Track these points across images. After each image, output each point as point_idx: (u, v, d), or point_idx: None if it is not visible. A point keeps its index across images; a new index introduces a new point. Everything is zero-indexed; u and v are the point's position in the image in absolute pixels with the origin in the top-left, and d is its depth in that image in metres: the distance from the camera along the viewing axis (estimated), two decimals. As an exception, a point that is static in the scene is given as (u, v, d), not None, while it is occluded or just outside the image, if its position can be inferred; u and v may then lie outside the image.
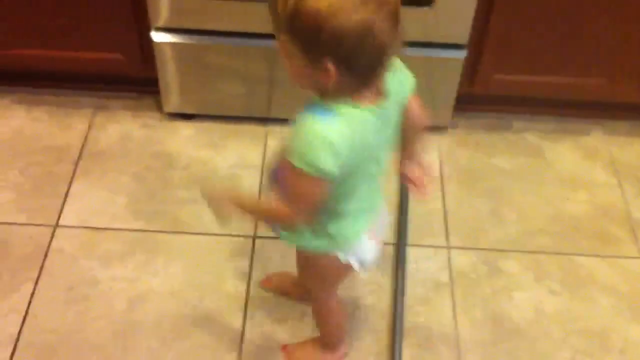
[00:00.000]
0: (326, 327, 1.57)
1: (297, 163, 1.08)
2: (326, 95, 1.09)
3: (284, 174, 1.16)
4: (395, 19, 1.03)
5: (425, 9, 1.80)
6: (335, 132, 1.06)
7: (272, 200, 1.21)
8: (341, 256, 1.29)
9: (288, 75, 1.11)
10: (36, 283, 1.70)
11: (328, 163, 1.06)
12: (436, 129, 2.09)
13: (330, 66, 1.03)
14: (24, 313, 1.64)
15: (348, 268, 1.33)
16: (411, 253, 1.80)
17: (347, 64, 1.03)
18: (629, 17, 1.84)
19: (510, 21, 1.86)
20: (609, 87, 2.00)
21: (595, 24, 1.86)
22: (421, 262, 1.79)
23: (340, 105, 1.08)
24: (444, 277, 1.76)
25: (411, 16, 1.82)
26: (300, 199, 1.13)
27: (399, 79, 1.15)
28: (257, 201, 1.23)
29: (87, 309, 1.66)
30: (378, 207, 1.31)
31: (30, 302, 1.66)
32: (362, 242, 1.28)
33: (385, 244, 1.81)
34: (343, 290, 1.69)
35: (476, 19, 1.83)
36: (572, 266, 1.80)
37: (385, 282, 1.75)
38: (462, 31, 1.85)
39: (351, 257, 1.30)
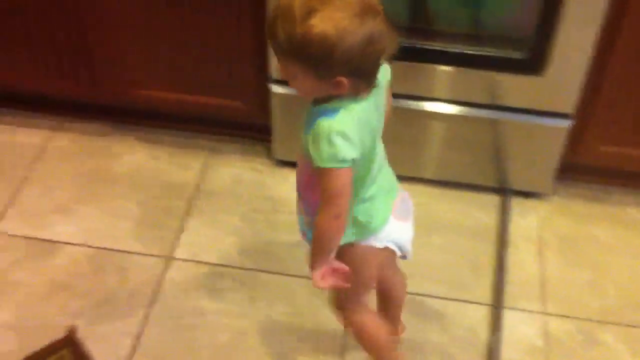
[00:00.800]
0: (372, 348, 1.60)
1: (326, 164, 1.20)
2: (332, 99, 1.22)
3: (313, 184, 1.28)
4: (386, 22, 1.15)
5: (535, 77, 1.86)
6: (343, 123, 1.19)
7: (315, 230, 1.31)
8: (377, 243, 1.37)
9: (297, 92, 1.23)
10: (149, 309, 1.82)
11: (348, 151, 1.19)
12: (536, 195, 2.13)
13: (343, 79, 1.15)
14: (135, 337, 1.76)
15: (385, 255, 1.41)
16: (506, 316, 1.83)
17: (356, 73, 1.16)
18: None
19: (620, 92, 1.89)
20: None
21: None
22: (516, 326, 1.81)
23: (344, 103, 1.21)
24: (539, 343, 1.78)
25: (520, 84, 1.90)
26: (341, 194, 1.25)
27: (382, 68, 1.25)
28: (314, 246, 1.35)
29: (194, 339, 1.76)
30: (394, 186, 1.41)
31: (142, 328, 1.78)
32: (391, 224, 1.37)
33: (480, 304, 1.85)
34: (432, 346, 1.75)
35: (585, 89, 1.88)
36: (671, 344, 1.80)
37: (479, 341, 1.78)
38: (569, 100, 1.89)
39: (387, 242, 1.38)
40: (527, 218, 2.08)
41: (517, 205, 2.11)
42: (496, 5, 1.90)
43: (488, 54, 1.88)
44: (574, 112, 1.93)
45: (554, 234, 2.05)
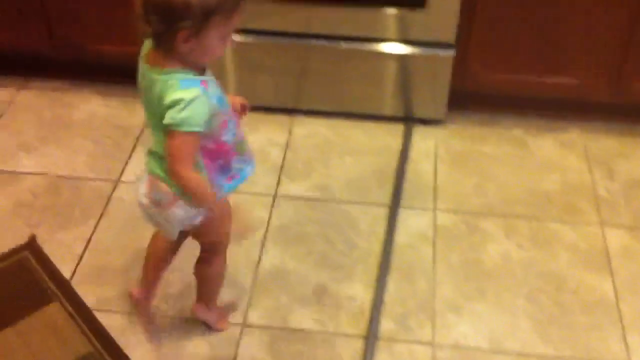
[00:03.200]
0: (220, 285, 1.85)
1: None
2: None
3: None
4: None
5: (417, 10, 2.21)
6: None
7: None
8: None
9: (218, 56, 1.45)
10: (99, 220, 2.14)
11: None
12: (434, 122, 2.47)
13: None
14: (86, 240, 2.08)
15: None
16: (402, 213, 2.17)
17: None
18: (597, 19, 2.20)
19: (491, 23, 2.24)
20: (582, 87, 2.35)
21: (568, 26, 2.22)
22: (410, 220, 2.15)
23: None
24: (429, 232, 2.11)
25: (404, 17, 2.24)
26: None
27: None
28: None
29: (135, 240, 2.07)
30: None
31: (92, 233, 2.10)
32: None
33: (381, 205, 2.19)
34: (339, 236, 2.09)
35: (461, 21, 2.22)
36: (540, 228, 2.13)
37: (379, 233, 2.11)
38: (450, 30, 2.24)
39: None
40: (425, 140, 2.42)
41: (418, 130, 2.46)
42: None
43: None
44: (455, 42, 2.27)
45: (448, 151, 2.39)
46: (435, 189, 2.25)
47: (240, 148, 1.58)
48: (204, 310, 1.85)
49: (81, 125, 2.47)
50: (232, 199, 1.71)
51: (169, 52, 1.39)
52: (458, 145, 2.41)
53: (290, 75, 2.42)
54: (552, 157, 2.37)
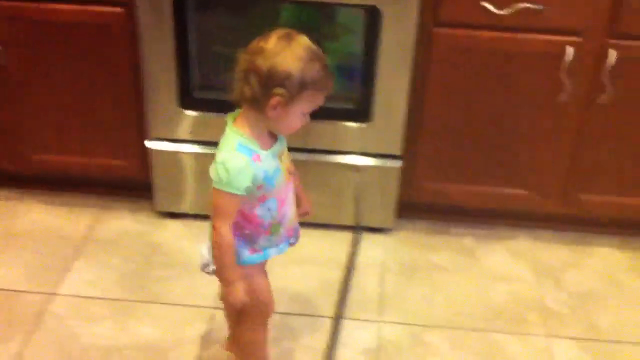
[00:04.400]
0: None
1: None
2: None
3: None
4: None
5: (365, 124, 2.23)
6: None
7: None
8: None
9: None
10: (29, 335, 2.04)
11: None
12: (383, 230, 2.44)
13: None
14: (15, 356, 1.98)
15: None
16: (346, 325, 2.10)
17: None
18: (543, 138, 2.24)
19: (437, 136, 2.26)
20: (530, 199, 2.35)
21: (514, 147, 2.26)
22: (354, 333, 2.08)
23: None
24: (373, 345, 2.04)
25: (354, 131, 2.26)
26: None
27: None
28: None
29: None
30: None
31: (21, 350, 2.00)
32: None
33: (325, 317, 2.12)
34: (281, 350, 1.99)
35: (409, 133, 2.24)
36: (486, 340, 2.06)
37: (321, 346, 2.03)
38: (396, 144, 2.26)
39: None
40: (373, 249, 2.39)
41: (366, 239, 2.42)
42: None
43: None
44: (401, 154, 2.28)
45: (396, 260, 2.35)
46: (380, 299, 2.20)
47: (274, 230, 1.63)
48: None
49: (22, 236, 2.41)
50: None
51: (255, 114, 1.49)
52: (406, 254, 2.38)
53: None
54: (501, 266, 2.34)
